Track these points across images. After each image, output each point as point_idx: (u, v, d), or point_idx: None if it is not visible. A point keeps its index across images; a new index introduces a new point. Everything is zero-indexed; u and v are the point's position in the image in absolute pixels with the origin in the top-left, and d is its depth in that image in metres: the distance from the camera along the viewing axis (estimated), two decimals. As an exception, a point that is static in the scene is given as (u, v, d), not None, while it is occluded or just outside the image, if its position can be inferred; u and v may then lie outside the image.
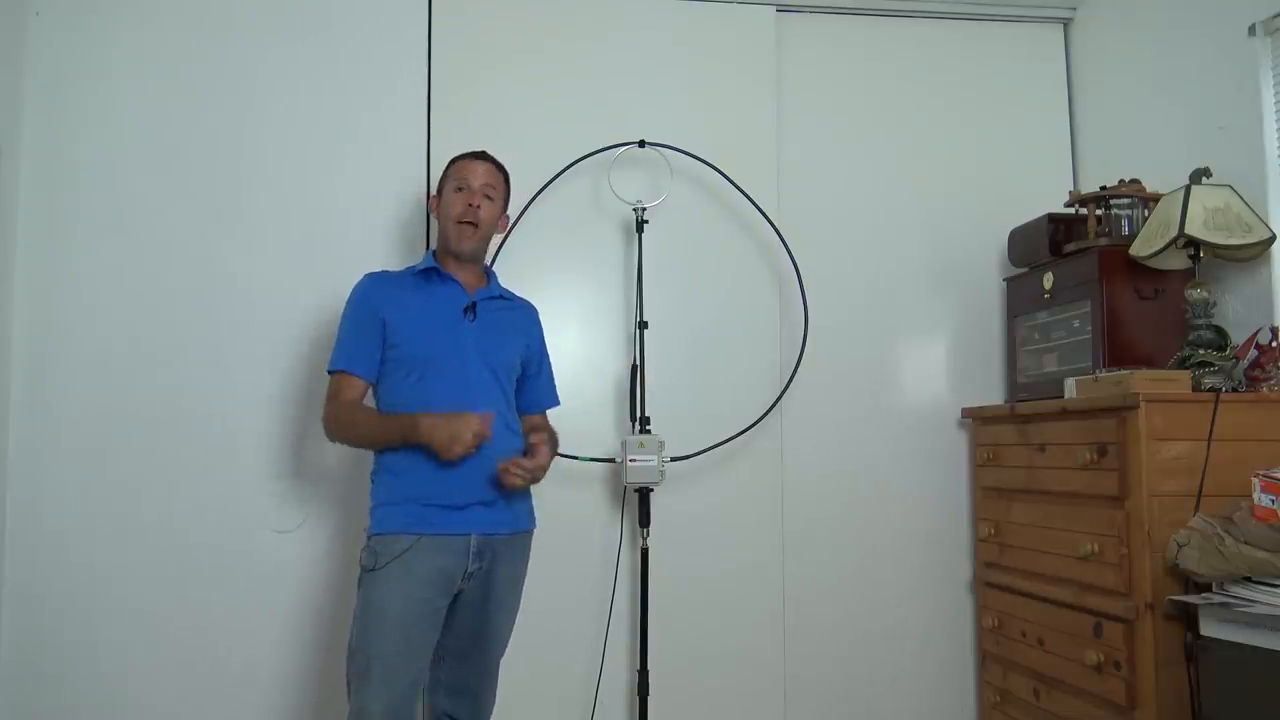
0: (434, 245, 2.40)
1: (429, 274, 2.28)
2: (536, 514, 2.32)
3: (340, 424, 2.20)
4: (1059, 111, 3.22)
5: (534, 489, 2.29)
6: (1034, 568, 2.58)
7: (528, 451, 2.19)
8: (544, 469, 2.21)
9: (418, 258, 2.57)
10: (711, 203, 2.97)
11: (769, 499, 2.95)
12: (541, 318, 2.45)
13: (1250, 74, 2.46)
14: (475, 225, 2.26)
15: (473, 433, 2.04)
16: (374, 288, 2.25)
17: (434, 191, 2.37)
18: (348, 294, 2.27)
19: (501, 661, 2.27)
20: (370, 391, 2.25)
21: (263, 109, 2.84)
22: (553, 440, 2.34)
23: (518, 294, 2.43)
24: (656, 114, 2.92)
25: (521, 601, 2.29)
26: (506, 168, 2.37)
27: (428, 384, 2.16)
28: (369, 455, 2.24)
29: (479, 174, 2.29)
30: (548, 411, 2.45)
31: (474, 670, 2.21)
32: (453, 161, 2.35)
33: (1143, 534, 2.17)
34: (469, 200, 2.26)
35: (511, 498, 2.19)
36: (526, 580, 2.30)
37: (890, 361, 3.11)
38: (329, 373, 2.24)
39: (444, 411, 2.09)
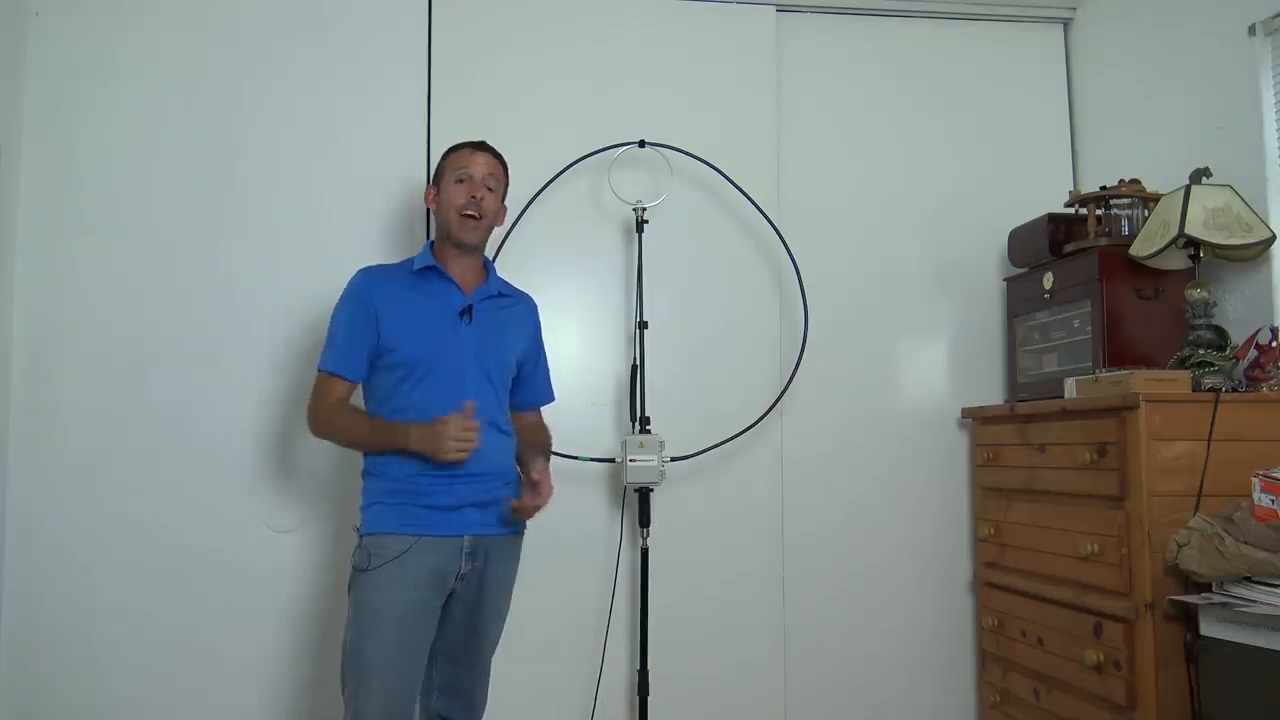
0: (431, 238, 2.33)
1: (426, 273, 2.22)
2: (532, 515, 2.31)
3: (327, 424, 2.18)
4: (1059, 111, 3.22)
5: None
6: (1034, 568, 2.58)
7: (527, 482, 2.14)
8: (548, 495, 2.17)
9: (417, 258, 2.56)
10: (711, 203, 2.97)
11: (769, 499, 2.95)
12: (541, 317, 2.42)
13: (1250, 74, 2.46)
14: (479, 217, 2.22)
15: (454, 435, 2.01)
16: (369, 285, 2.19)
17: (430, 184, 2.31)
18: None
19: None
20: (360, 390, 2.22)
21: (262, 108, 2.84)
22: (547, 445, 2.34)
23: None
24: (656, 114, 2.92)
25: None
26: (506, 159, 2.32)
27: (421, 388, 2.13)
28: (361, 455, 2.22)
29: (480, 165, 2.24)
30: (542, 408, 2.43)
31: (466, 670, 2.20)
32: (450, 152, 2.28)
33: (1143, 534, 2.17)
34: (471, 192, 2.21)
35: (502, 501, 2.17)
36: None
37: (890, 362, 3.11)
38: (319, 369, 2.20)
39: (437, 416, 2.06)
